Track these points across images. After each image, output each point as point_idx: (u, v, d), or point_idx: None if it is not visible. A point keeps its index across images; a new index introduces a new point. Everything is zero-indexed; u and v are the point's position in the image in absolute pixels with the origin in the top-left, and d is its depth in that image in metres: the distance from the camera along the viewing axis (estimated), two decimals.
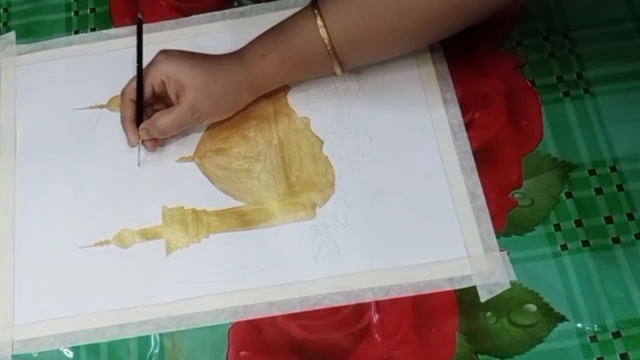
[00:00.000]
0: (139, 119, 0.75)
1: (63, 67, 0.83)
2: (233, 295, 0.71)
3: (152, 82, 0.74)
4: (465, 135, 0.75)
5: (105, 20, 0.86)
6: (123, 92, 0.76)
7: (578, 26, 0.79)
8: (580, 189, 0.72)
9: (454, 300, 0.69)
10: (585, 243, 0.70)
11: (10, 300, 0.72)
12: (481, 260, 0.70)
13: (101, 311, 0.71)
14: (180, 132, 0.77)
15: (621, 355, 0.66)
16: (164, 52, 0.74)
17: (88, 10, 0.87)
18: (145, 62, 0.75)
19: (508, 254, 0.70)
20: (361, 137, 0.76)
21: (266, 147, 0.77)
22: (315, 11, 0.70)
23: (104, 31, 0.85)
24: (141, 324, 0.70)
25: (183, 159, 0.77)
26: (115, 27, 0.85)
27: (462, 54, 0.78)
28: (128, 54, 0.78)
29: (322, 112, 0.78)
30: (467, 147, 0.74)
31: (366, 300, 0.69)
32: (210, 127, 0.78)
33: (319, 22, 0.69)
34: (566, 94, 0.76)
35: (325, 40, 0.70)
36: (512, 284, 0.69)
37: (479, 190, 0.72)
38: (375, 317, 0.69)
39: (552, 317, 0.68)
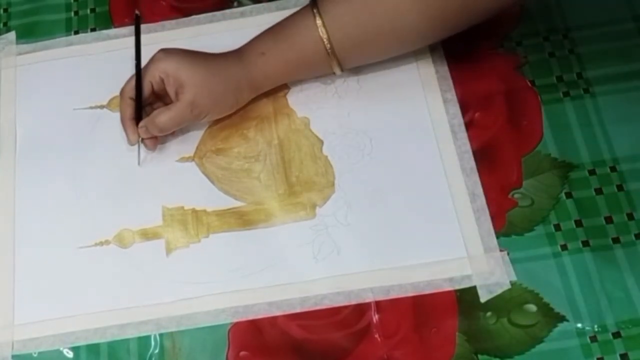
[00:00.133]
0: (138, 118, 0.75)
1: (63, 67, 0.83)
2: (233, 295, 0.71)
3: (151, 80, 0.74)
4: (465, 135, 0.75)
5: (105, 21, 0.86)
6: (122, 90, 0.76)
7: (578, 26, 0.79)
8: (580, 189, 0.72)
9: (454, 300, 0.69)
10: (585, 243, 0.70)
11: (10, 300, 0.72)
12: (481, 260, 0.70)
13: (101, 311, 0.71)
14: (180, 131, 0.77)
15: (621, 356, 0.66)
16: (163, 50, 0.74)
17: (88, 10, 0.87)
18: (144, 62, 0.75)
19: (508, 254, 0.70)
20: (361, 137, 0.76)
21: (266, 147, 0.77)
22: (315, 11, 0.70)
23: (104, 31, 0.85)
24: (141, 324, 0.70)
25: (183, 159, 0.77)
26: (115, 27, 0.85)
27: (462, 54, 0.78)
28: (128, 54, 0.78)
29: (322, 112, 0.78)
30: (467, 147, 0.74)
31: (366, 300, 0.69)
32: (210, 127, 0.78)
33: (318, 22, 0.70)
34: (566, 94, 0.76)
35: (324, 40, 0.70)
36: (512, 284, 0.69)
37: (479, 190, 0.72)
38: (375, 317, 0.69)
39: (552, 317, 0.68)
